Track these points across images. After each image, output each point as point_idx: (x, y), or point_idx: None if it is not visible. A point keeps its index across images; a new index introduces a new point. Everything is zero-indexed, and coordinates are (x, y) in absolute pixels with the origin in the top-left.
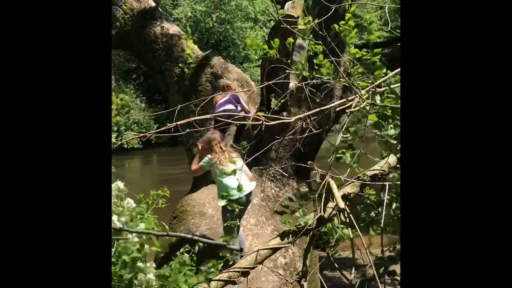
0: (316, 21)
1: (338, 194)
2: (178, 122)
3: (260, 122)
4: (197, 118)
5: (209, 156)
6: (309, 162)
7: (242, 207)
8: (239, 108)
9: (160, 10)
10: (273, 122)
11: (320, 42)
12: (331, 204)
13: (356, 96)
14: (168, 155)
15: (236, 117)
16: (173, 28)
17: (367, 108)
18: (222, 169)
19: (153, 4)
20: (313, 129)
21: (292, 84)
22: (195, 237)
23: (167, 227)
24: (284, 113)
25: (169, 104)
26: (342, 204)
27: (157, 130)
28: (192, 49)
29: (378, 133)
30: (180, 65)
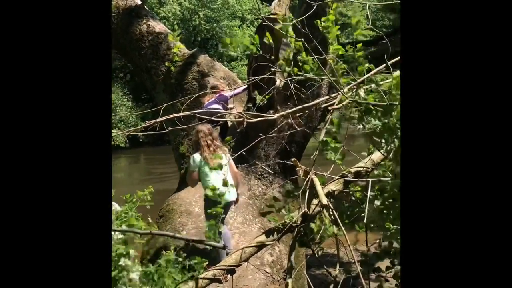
0: (299, 18)
1: (321, 190)
2: (159, 119)
3: (242, 119)
4: (178, 114)
5: (194, 155)
6: (292, 159)
7: (227, 203)
8: (225, 107)
9: (146, 8)
10: (255, 120)
11: (302, 39)
12: (316, 201)
13: (339, 94)
14: (156, 154)
15: (220, 114)
16: (159, 26)
17: (350, 104)
18: (210, 161)
19: (139, 2)
20: (296, 126)
21: (278, 81)
22: (178, 236)
23: (152, 222)
24: (271, 111)
25: (156, 103)
26: (324, 201)
27: (140, 127)
28: (178, 48)
29: (362, 127)
30: (166, 63)
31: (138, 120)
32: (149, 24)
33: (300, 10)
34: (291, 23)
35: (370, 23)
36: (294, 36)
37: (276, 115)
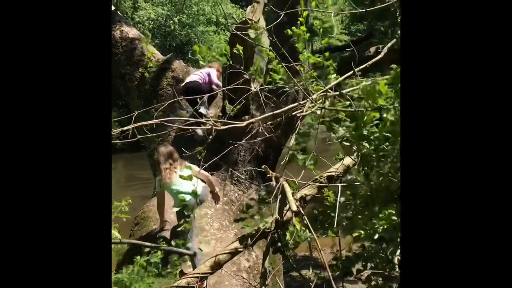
0: (271, 25)
1: (291, 197)
2: (131, 126)
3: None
4: (151, 122)
5: (157, 179)
6: (263, 166)
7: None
8: (206, 80)
9: (120, 13)
10: (224, 127)
11: (271, 48)
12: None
13: (307, 101)
14: (133, 160)
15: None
16: (132, 32)
17: (319, 112)
18: (170, 183)
19: (112, 8)
20: (266, 133)
21: (253, 87)
22: (147, 244)
23: (118, 235)
24: (246, 117)
25: (130, 109)
26: (294, 207)
27: (117, 130)
28: (152, 53)
29: (332, 135)
30: (140, 69)
31: (113, 127)
32: (122, 30)
33: (274, 16)
34: (261, 30)
35: (335, 33)
36: (268, 44)
37: (245, 123)
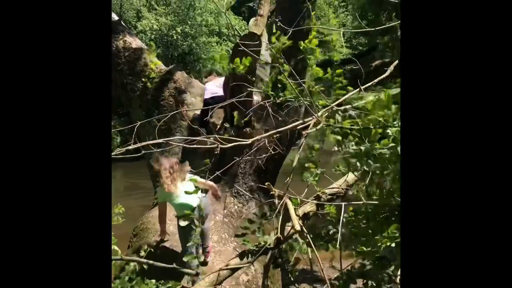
0: (285, 40)
1: (294, 215)
2: (137, 145)
3: (216, 145)
4: (158, 141)
5: (158, 189)
6: (266, 184)
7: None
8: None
9: (123, 23)
10: (230, 145)
11: (284, 60)
12: (290, 223)
13: (313, 118)
14: (132, 169)
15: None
16: (136, 42)
17: (325, 127)
18: (172, 195)
19: (116, 18)
20: (272, 150)
21: (256, 99)
22: (150, 262)
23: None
24: (248, 129)
25: (132, 119)
26: (298, 226)
27: (122, 149)
28: (155, 64)
29: (340, 150)
30: (143, 79)
31: (113, 134)
32: (125, 40)
33: (277, 27)
34: (280, 47)
35: (339, 47)
36: (269, 56)
37: (250, 140)
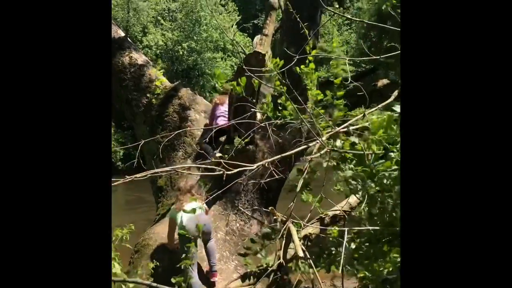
0: (281, 63)
1: (298, 241)
2: (148, 172)
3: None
4: (167, 169)
5: (172, 207)
6: (270, 208)
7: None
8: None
9: (129, 40)
10: (235, 170)
11: (286, 82)
12: (293, 245)
13: (317, 142)
14: (134, 183)
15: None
16: (141, 59)
17: (328, 153)
18: (180, 210)
19: (122, 34)
20: (275, 174)
21: (260, 118)
22: (153, 285)
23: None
24: (251, 147)
25: (136, 134)
26: (301, 253)
27: (130, 178)
28: (160, 81)
29: (340, 174)
30: (147, 95)
31: (115, 145)
32: (131, 56)
33: (281, 47)
34: (276, 71)
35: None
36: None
37: (256, 165)
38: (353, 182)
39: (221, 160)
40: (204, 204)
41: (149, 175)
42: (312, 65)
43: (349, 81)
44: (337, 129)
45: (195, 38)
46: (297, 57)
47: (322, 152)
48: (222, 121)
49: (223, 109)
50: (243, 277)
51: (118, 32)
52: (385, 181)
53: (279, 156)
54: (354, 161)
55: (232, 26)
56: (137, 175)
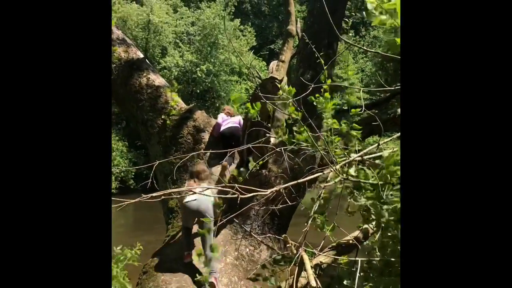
0: (293, 90)
1: (310, 271)
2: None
3: (236, 195)
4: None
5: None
6: (283, 236)
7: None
8: (241, 126)
9: (147, 61)
10: (249, 195)
11: (300, 109)
12: (304, 273)
13: (331, 170)
14: (145, 202)
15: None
16: (158, 80)
17: (342, 181)
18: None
19: (141, 55)
20: (288, 201)
21: (273, 142)
22: None
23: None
24: (264, 171)
25: (150, 154)
26: (313, 283)
27: (146, 197)
28: (176, 102)
29: (353, 202)
30: (163, 116)
31: (129, 165)
32: (149, 77)
33: (297, 74)
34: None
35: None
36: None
37: (269, 191)
38: (366, 212)
39: (236, 185)
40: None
41: (163, 196)
42: (327, 95)
43: (363, 110)
44: (351, 158)
45: (212, 60)
46: (312, 86)
47: (336, 180)
48: (224, 127)
49: (229, 117)
50: None
51: (137, 53)
52: (397, 212)
53: (294, 182)
54: (368, 191)
55: (248, 51)
56: (153, 194)
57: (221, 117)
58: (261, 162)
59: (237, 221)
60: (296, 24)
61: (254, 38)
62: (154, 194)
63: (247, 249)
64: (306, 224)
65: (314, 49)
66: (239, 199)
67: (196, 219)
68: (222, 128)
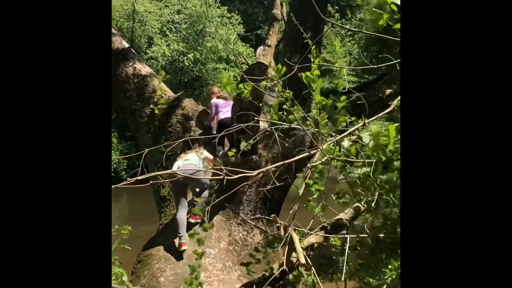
0: (283, 69)
1: (300, 248)
2: (148, 175)
3: (221, 176)
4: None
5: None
6: (272, 216)
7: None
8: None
9: (133, 51)
10: (236, 176)
11: (288, 92)
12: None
13: (318, 150)
14: (137, 193)
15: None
16: (145, 69)
17: (330, 159)
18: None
19: (126, 45)
20: (276, 181)
21: (263, 126)
22: None
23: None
24: (254, 157)
25: (139, 144)
26: (303, 260)
27: (131, 180)
28: (163, 91)
29: (344, 177)
30: (151, 105)
31: (119, 155)
32: (135, 67)
33: (284, 58)
34: (280, 82)
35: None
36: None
37: (256, 172)
38: (356, 188)
39: (223, 167)
40: (204, 153)
41: (151, 180)
42: (317, 72)
43: (346, 90)
44: (338, 137)
45: (199, 48)
46: (297, 66)
47: (323, 159)
48: (223, 116)
49: (223, 103)
50: (246, 287)
51: (122, 43)
52: (387, 188)
53: (280, 163)
54: (358, 168)
55: (234, 37)
56: (138, 177)
57: (215, 103)
58: (251, 142)
59: (228, 205)
60: (282, 8)
61: (242, 25)
62: (140, 177)
63: (240, 234)
64: (296, 205)
65: (299, 32)
66: (224, 180)
67: (189, 188)
68: (221, 117)
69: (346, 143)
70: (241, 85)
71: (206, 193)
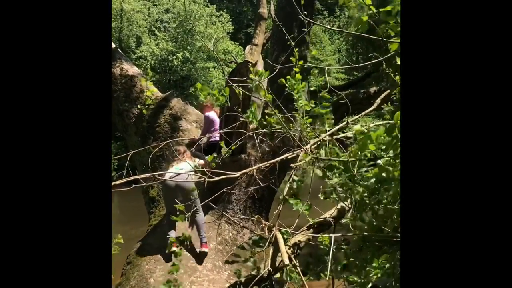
0: (266, 73)
1: (284, 249)
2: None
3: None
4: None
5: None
6: (256, 217)
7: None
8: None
9: (120, 51)
10: (217, 178)
11: (269, 91)
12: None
13: (302, 150)
14: (128, 194)
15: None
16: (132, 70)
17: (313, 159)
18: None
19: (113, 45)
20: (260, 182)
21: (252, 127)
22: None
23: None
24: (242, 155)
25: (127, 145)
26: (287, 260)
27: (120, 181)
28: (151, 91)
29: (327, 181)
30: (138, 106)
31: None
32: (122, 67)
33: (272, 56)
34: (261, 83)
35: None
36: (266, 85)
37: (238, 174)
38: (340, 189)
39: (206, 169)
40: (196, 161)
41: (141, 181)
42: (298, 76)
43: (327, 89)
44: (321, 137)
45: (188, 48)
46: (278, 66)
47: (307, 159)
48: (216, 136)
49: (217, 122)
50: (233, 287)
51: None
52: (372, 186)
53: (263, 163)
54: (340, 169)
55: (222, 36)
56: (121, 181)
57: (211, 118)
58: (233, 147)
59: (215, 207)
60: (270, 6)
61: (231, 24)
62: (126, 180)
63: (230, 234)
64: (283, 205)
65: (285, 31)
66: (205, 183)
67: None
68: (214, 136)
69: (323, 151)
70: (216, 92)
71: (201, 217)
